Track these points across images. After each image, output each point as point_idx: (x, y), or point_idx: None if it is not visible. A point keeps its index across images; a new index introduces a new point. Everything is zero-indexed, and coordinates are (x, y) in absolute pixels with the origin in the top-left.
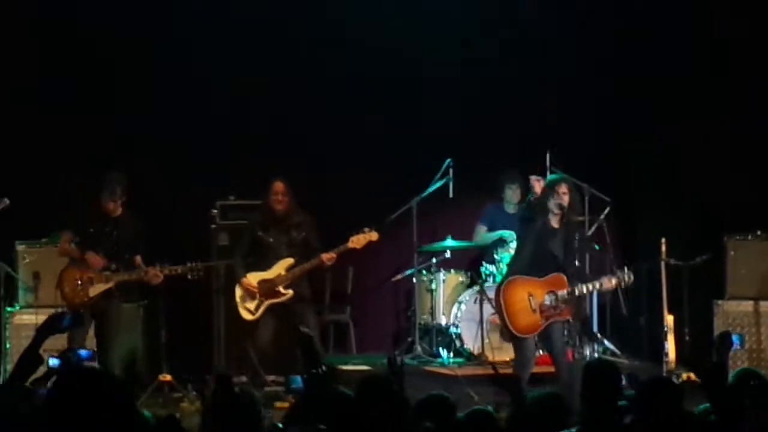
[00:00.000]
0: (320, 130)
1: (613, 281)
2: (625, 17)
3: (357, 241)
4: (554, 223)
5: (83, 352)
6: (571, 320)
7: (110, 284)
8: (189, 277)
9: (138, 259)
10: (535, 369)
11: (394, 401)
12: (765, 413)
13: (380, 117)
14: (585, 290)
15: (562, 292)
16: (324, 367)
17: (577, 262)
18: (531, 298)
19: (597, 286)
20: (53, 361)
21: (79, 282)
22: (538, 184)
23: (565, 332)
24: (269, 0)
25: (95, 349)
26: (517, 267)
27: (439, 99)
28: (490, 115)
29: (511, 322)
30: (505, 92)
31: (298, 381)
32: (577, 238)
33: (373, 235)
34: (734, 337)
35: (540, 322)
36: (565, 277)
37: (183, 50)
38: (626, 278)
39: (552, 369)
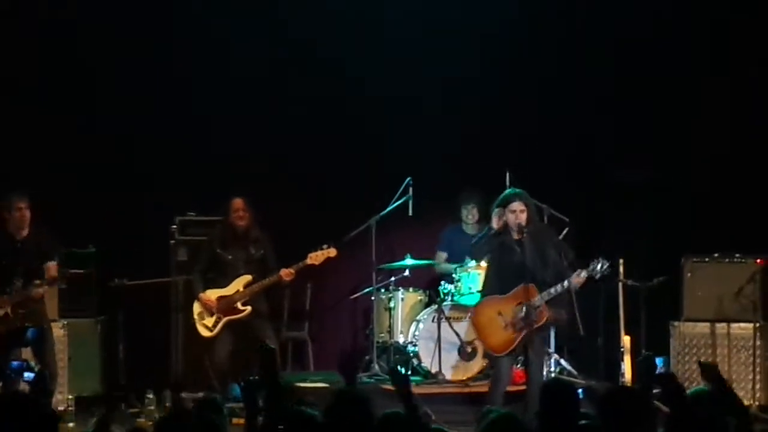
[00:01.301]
0: (280, 148)
1: (582, 274)
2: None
3: (315, 257)
4: (516, 235)
5: (15, 364)
6: (553, 324)
7: (6, 309)
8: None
9: (51, 268)
10: (513, 387)
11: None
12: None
13: (340, 135)
14: (553, 291)
15: (531, 301)
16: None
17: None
18: (500, 316)
19: (565, 285)
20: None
21: None
22: (497, 220)
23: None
24: (229, 23)
25: (27, 361)
26: (485, 291)
27: (399, 117)
28: (451, 134)
29: (486, 343)
30: (465, 111)
31: (236, 389)
32: (547, 240)
33: (332, 252)
34: (657, 360)
35: (514, 337)
36: (531, 286)
37: (145, 66)
38: (599, 267)
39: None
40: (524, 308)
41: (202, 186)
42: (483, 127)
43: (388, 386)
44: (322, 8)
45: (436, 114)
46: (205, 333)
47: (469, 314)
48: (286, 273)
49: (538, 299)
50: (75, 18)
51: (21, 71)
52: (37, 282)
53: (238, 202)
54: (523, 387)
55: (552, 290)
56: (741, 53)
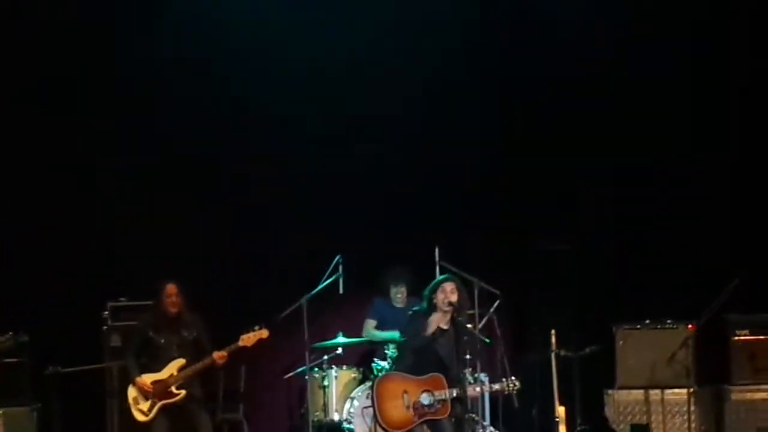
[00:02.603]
0: (208, 229)
1: (496, 387)
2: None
3: (247, 339)
4: (442, 323)
5: None
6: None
7: None
8: None
9: None
10: None
11: None
12: None
13: (269, 213)
14: (461, 393)
15: (440, 393)
16: None
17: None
18: (405, 394)
19: (480, 390)
20: None
21: None
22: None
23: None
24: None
25: None
26: (399, 367)
27: (327, 194)
28: (379, 209)
29: (382, 416)
30: (393, 188)
31: None
32: (465, 337)
33: (264, 333)
34: None
35: (413, 420)
36: (444, 379)
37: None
38: (512, 386)
39: None
40: (430, 397)
41: (132, 270)
42: (411, 203)
43: None
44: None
45: (363, 190)
46: (140, 418)
47: (373, 381)
48: (219, 356)
49: (445, 393)
50: None
51: None
52: None
53: (171, 288)
54: None
55: (460, 391)
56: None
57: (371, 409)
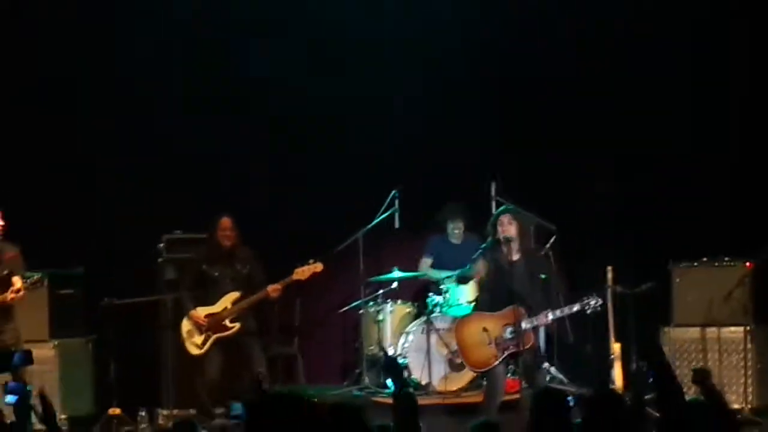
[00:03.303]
0: (265, 164)
1: (576, 308)
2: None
3: (302, 272)
4: (511, 255)
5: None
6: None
7: None
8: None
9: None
10: (507, 396)
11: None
12: None
13: (326, 149)
14: (545, 320)
15: (519, 324)
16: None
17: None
18: (486, 332)
19: (557, 314)
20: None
21: None
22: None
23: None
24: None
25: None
26: (476, 306)
27: (385, 129)
28: (436, 145)
29: (465, 357)
30: (451, 121)
31: (238, 408)
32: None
33: (318, 267)
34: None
35: (495, 355)
36: (522, 310)
37: (127, 85)
38: (593, 303)
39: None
40: (511, 330)
41: (189, 204)
42: (469, 137)
43: (379, 399)
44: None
45: (421, 125)
46: (194, 351)
47: (454, 325)
48: (273, 289)
49: (525, 323)
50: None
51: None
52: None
53: (225, 222)
54: (517, 396)
55: (542, 318)
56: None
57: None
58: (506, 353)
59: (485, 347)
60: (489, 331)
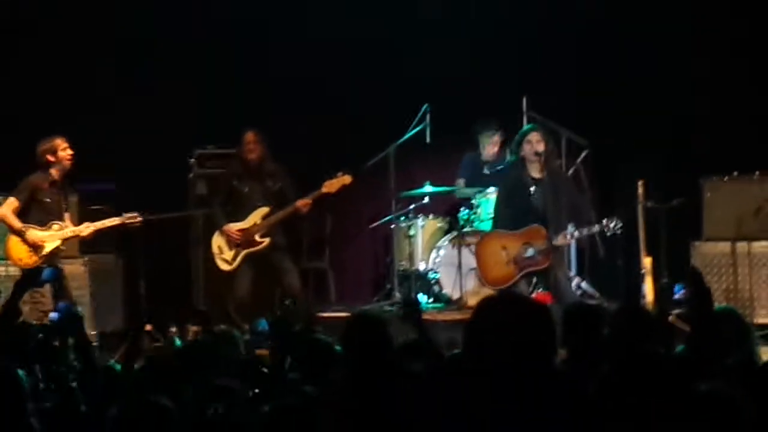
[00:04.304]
0: (296, 77)
1: (595, 229)
2: None
3: (330, 185)
4: (535, 173)
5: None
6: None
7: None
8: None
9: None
10: None
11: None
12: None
13: (357, 63)
14: (568, 239)
15: (540, 244)
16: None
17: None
18: (505, 250)
19: (577, 235)
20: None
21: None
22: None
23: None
24: None
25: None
26: (495, 223)
27: (416, 43)
28: (468, 59)
29: (484, 275)
30: (482, 36)
31: (263, 324)
32: (562, 183)
33: (346, 179)
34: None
35: (514, 274)
36: (544, 229)
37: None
38: (612, 226)
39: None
40: (530, 249)
41: (220, 118)
42: (499, 53)
43: None
44: None
45: (452, 39)
46: (224, 267)
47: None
48: (303, 203)
49: (545, 243)
50: None
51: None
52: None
53: (248, 135)
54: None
55: (561, 238)
56: None
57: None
58: (525, 272)
59: (504, 266)
60: (508, 250)
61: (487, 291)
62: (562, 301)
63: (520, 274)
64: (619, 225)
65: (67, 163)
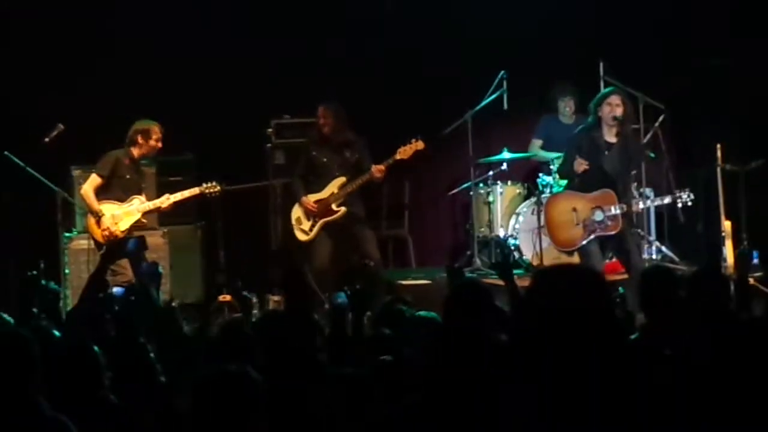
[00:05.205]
0: (372, 47)
1: (667, 200)
2: None
3: (404, 152)
4: (609, 137)
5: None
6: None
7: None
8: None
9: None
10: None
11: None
12: None
13: (433, 31)
14: (636, 208)
15: (610, 209)
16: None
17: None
18: (575, 212)
19: (650, 204)
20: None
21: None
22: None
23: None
24: None
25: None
26: (567, 184)
27: (491, 9)
28: (544, 24)
29: (552, 235)
30: (559, 1)
31: (342, 296)
32: (634, 151)
33: (419, 144)
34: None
35: (582, 236)
36: (615, 194)
37: None
38: (684, 198)
39: (621, 275)
40: (601, 213)
41: (298, 87)
42: (575, 18)
43: (490, 280)
44: None
45: (528, 4)
46: (302, 237)
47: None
48: (377, 170)
49: (616, 208)
50: None
51: None
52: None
53: (320, 110)
54: (623, 276)
55: (633, 205)
56: None
57: (541, 230)
58: (592, 236)
59: (573, 227)
60: (578, 212)
61: (567, 258)
62: (632, 269)
63: (589, 237)
64: (691, 197)
65: (152, 152)
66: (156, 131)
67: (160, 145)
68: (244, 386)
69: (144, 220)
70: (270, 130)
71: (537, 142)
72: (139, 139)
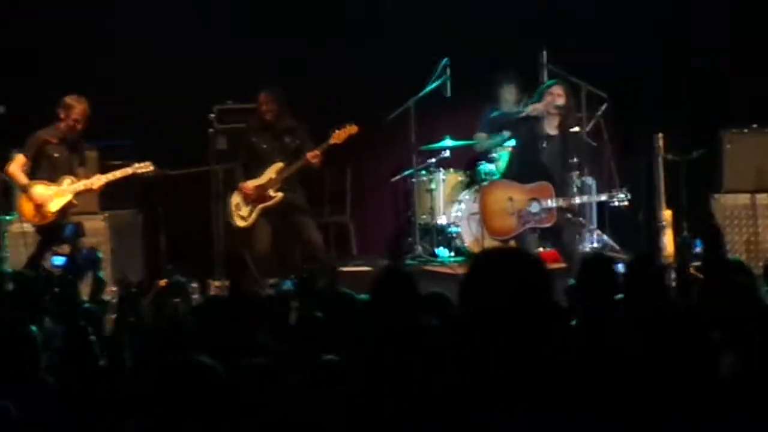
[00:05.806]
0: (315, 32)
1: (603, 197)
2: None
3: (338, 136)
4: (550, 129)
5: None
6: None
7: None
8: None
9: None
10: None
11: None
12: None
13: (376, 17)
14: (570, 202)
15: (547, 202)
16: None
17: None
18: (511, 201)
19: (587, 200)
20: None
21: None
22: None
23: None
24: None
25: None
26: (506, 172)
27: None
28: (486, 12)
29: (486, 223)
30: None
31: (288, 284)
32: (572, 143)
33: (353, 128)
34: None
35: (516, 226)
36: (552, 187)
37: None
38: (621, 197)
39: (559, 264)
40: (537, 205)
41: (240, 73)
42: (519, 5)
43: (431, 267)
44: None
45: None
46: (240, 223)
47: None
48: (313, 155)
49: (552, 201)
50: None
51: None
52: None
53: (262, 96)
54: (562, 265)
55: (568, 200)
56: None
57: (478, 216)
58: (526, 227)
59: (507, 216)
60: (514, 201)
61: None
62: (570, 261)
63: (522, 228)
64: (627, 197)
65: (75, 125)
66: (73, 103)
67: (81, 116)
68: (204, 374)
69: (75, 202)
70: (212, 115)
71: (482, 135)
72: (62, 114)
